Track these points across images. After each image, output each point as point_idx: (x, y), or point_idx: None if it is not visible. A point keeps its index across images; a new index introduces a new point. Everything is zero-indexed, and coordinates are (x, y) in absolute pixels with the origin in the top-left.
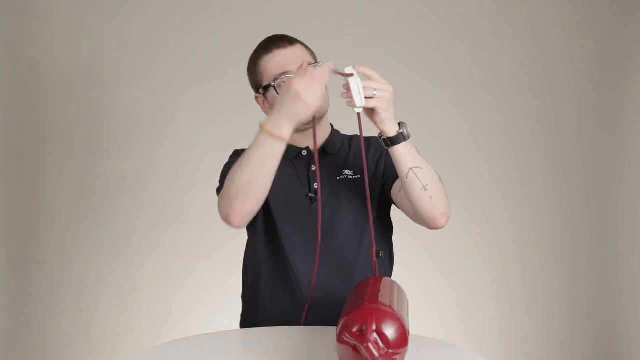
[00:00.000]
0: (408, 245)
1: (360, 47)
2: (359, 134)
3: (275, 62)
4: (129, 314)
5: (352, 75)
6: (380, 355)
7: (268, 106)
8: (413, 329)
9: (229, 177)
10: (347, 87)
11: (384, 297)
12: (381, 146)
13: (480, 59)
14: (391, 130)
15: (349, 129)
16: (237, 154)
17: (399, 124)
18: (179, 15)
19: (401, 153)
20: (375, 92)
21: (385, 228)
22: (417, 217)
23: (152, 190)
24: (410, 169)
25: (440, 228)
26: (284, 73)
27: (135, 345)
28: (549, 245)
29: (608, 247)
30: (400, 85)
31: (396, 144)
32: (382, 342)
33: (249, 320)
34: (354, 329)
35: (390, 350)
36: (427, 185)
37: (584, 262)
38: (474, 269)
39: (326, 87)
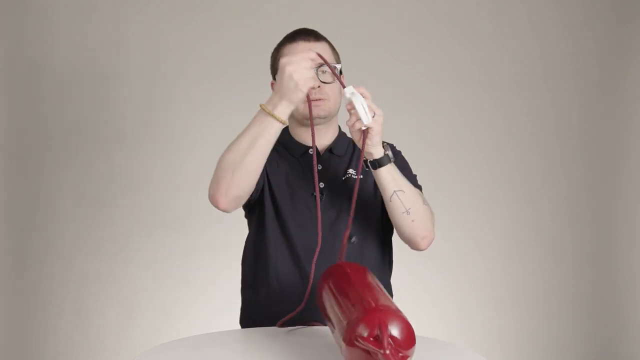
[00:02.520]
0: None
1: (360, 47)
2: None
3: (296, 52)
4: (129, 314)
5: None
6: None
7: None
8: (414, 329)
9: (221, 155)
10: (351, 107)
11: (379, 294)
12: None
13: (480, 59)
14: (378, 152)
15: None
16: None
17: (383, 145)
18: (179, 15)
19: (385, 176)
20: (374, 115)
21: (385, 229)
22: (400, 236)
23: (152, 190)
24: (395, 191)
25: (421, 250)
26: None
27: (135, 345)
28: (549, 245)
29: (608, 247)
30: (400, 85)
31: (382, 166)
32: (395, 344)
33: (248, 311)
34: (365, 334)
35: (401, 354)
36: (409, 209)
37: (584, 262)
38: (474, 269)
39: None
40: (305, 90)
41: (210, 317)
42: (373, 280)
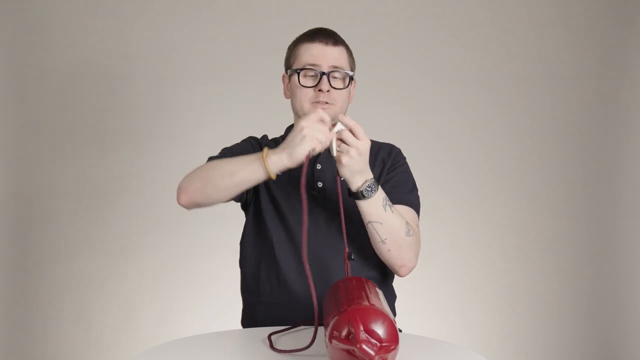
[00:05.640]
0: None
1: (360, 47)
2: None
3: (312, 52)
4: (129, 314)
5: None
6: (376, 352)
7: (288, 88)
8: (413, 329)
9: (211, 162)
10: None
11: (359, 296)
12: (390, 157)
13: (480, 59)
14: (352, 187)
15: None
16: (249, 140)
17: (366, 180)
18: (179, 15)
19: (361, 207)
20: (339, 149)
21: None
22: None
23: (153, 190)
24: (369, 222)
25: (400, 276)
26: (313, 65)
27: (135, 345)
28: (549, 245)
29: (608, 247)
30: (401, 85)
31: (357, 199)
32: (374, 339)
33: (250, 314)
34: (343, 334)
35: (385, 344)
36: (385, 239)
37: (584, 262)
38: (474, 269)
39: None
40: (309, 146)
41: (210, 317)
42: (361, 285)
